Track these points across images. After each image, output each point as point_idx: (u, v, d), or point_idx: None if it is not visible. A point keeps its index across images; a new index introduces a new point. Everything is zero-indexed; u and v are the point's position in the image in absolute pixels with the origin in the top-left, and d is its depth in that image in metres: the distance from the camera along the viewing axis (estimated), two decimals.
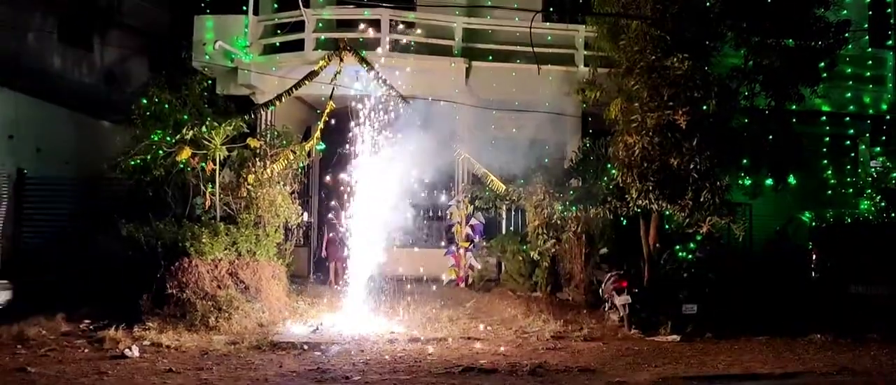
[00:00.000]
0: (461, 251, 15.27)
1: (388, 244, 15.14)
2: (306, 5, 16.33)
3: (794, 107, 11.79)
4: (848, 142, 17.65)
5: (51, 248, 13.29)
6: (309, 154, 13.91)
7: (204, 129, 12.52)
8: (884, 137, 17.70)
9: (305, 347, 9.69)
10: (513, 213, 15.73)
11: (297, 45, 16.31)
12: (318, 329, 10.81)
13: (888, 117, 17.58)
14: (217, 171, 12.62)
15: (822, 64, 11.53)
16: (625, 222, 12.44)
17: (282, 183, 13.06)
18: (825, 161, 17.02)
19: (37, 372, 8.24)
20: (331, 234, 15.12)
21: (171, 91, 13.31)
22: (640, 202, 11.13)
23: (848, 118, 17.29)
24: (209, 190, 12.66)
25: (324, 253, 15.48)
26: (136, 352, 9.10)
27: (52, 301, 11.20)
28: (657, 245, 11.93)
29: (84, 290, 11.40)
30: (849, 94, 17.11)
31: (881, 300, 11.89)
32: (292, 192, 13.37)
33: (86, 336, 10.12)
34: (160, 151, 12.80)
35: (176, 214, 12.67)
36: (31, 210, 14.68)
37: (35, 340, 9.72)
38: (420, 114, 15.12)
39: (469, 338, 10.57)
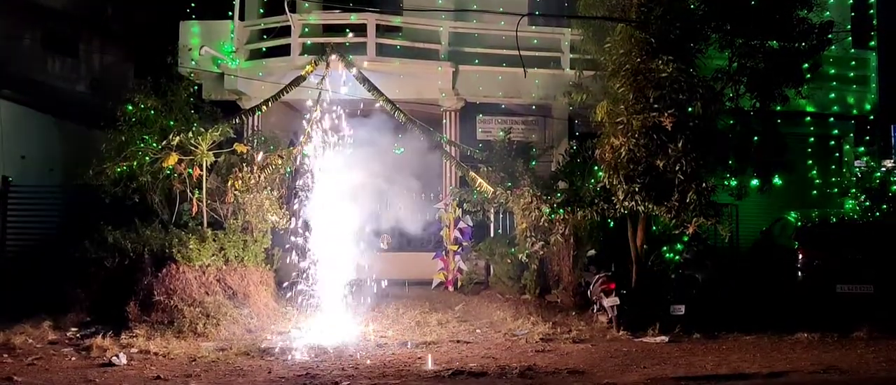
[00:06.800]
0: (450, 254, 15.29)
1: (376, 248, 15.16)
2: (292, 10, 16.33)
3: (778, 108, 11.88)
4: (832, 142, 17.81)
5: (36, 255, 13.20)
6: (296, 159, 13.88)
7: (190, 134, 12.50)
8: (867, 137, 17.88)
9: (294, 353, 9.66)
10: (501, 215, 15.77)
11: (284, 50, 16.30)
12: (306, 334, 10.79)
13: (872, 117, 17.76)
14: (204, 177, 12.58)
15: (806, 65, 11.61)
16: (612, 224, 12.49)
17: (269, 188, 13.03)
18: (810, 161, 17.17)
19: (23, 381, 8.18)
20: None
21: (156, 97, 13.28)
22: (626, 204, 11.17)
23: (832, 118, 17.45)
24: (196, 196, 12.62)
25: None
26: (123, 359, 9.05)
27: (38, 309, 11.13)
28: (644, 246, 11.98)
29: (71, 297, 11.33)
30: (833, 95, 17.27)
31: (867, 299, 11.98)
32: (279, 197, 13.34)
33: (73, 344, 10.05)
34: (146, 158, 12.77)
35: (163, 221, 12.64)
36: (16, 217, 14.57)
37: (21, 349, 9.64)
38: (407, 117, 15.16)
39: (458, 341, 10.58)
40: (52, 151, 16.56)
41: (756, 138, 11.58)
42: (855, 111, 17.66)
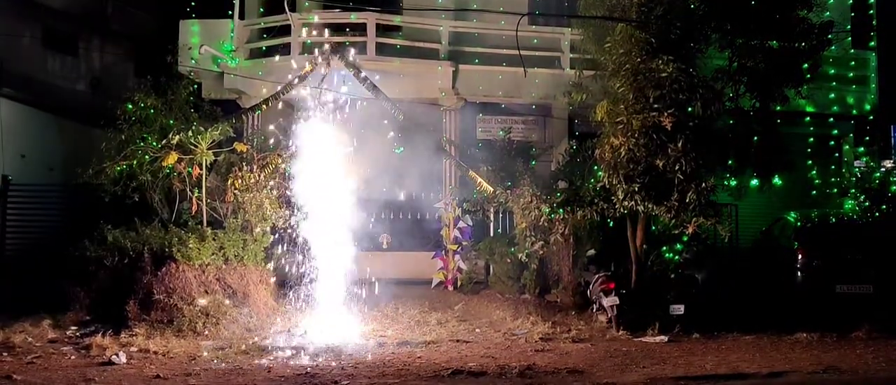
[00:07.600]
0: (449, 254, 15.29)
1: (376, 247, 15.16)
2: (292, 9, 16.32)
3: (778, 108, 11.89)
4: (832, 142, 17.81)
5: (36, 254, 13.21)
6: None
7: (190, 133, 12.49)
8: (867, 137, 17.90)
9: (293, 352, 9.66)
10: (501, 215, 15.77)
11: (284, 49, 16.31)
12: (305, 333, 10.79)
13: (871, 117, 17.77)
14: (204, 176, 12.57)
15: (806, 65, 11.63)
16: (612, 224, 12.49)
17: (268, 187, 13.02)
18: (810, 161, 17.18)
19: (23, 380, 8.18)
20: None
21: (156, 96, 13.29)
22: (626, 204, 11.18)
23: (832, 118, 17.46)
24: (196, 195, 12.62)
25: None
26: (123, 358, 9.05)
27: (37, 308, 11.13)
28: (644, 246, 11.98)
29: (70, 296, 11.34)
30: (832, 95, 17.29)
31: (866, 299, 11.99)
32: (279, 196, 13.34)
33: (72, 343, 10.05)
34: (146, 156, 12.77)
35: (162, 220, 12.64)
36: (15, 216, 14.57)
37: (21, 348, 9.64)
38: (407, 117, 15.16)
39: (458, 340, 10.57)
40: (52, 150, 16.57)
41: (756, 138, 11.59)
42: (854, 111, 17.68)
